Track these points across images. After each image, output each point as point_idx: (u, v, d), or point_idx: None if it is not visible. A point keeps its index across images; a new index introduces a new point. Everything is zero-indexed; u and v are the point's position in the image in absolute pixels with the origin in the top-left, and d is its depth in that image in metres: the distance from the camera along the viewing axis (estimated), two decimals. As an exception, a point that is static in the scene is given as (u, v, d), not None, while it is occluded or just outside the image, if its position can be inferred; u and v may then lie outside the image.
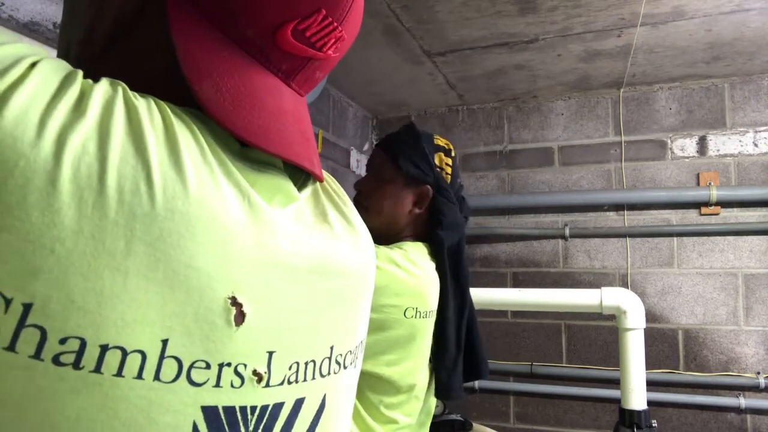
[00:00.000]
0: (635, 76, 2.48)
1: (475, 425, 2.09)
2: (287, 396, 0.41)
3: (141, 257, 0.32)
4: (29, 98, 0.30)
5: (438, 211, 1.08)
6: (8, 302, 0.29)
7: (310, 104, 2.20)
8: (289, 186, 0.44)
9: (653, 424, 1.57)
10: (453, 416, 2.19)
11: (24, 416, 0.30)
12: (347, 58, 2.24)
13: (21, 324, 0.29)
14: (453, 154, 1.12)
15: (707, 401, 2.35)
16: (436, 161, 1.10)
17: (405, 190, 1.09)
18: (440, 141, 1.13)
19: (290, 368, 0.41)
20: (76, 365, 0.30)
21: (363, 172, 2.88)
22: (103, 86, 0.34)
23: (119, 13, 0.43)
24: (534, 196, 2.67)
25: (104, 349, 0.31)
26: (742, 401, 2.29)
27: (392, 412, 1.01)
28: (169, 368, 0.33)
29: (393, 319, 0.95)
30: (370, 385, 0.98)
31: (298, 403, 0.42)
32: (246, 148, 0.41)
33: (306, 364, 0.42)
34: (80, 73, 0.34)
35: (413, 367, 1.02)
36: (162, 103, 0.37)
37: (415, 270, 0.99)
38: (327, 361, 0.44)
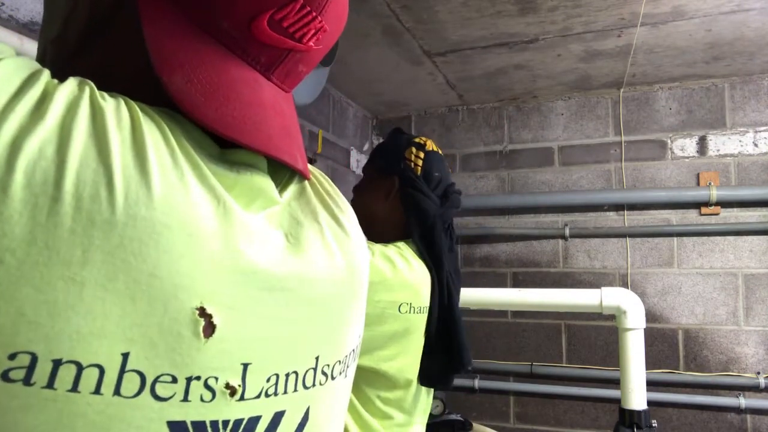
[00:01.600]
0: (635, 76, 2.48)
1: (475, 425, 2.09)
2: (264, 409, 0.39)
3: (99, 266, 0.30)
4: None
5: (405, 201, 1.13)
6: None
7: (310, 104, 2.20)
8: (271, 189, 0.42)
9: (653, 424, 1.57)
10: (453, 416, 2.19)
11: None
12: (347, 58, 2.24)
13: None
14: (429, 149, 1.16)
15: (707, 401, 2.35)
16: (407, 155, 1.15)
17: (376, 183, 1.16)
18: (420, 139, 1.19)
19: (268, 380, 0.39)
20: (27, 381, 0.29)
21: (363, 172, 2.89)
22: (69, 86, 0.33)
23: (94, 9, 0.41)
24: (534, 196, 2.67)
25: (57, 364, 0.29)
26: (742, 401, 2.29)
27: (388, 407, 1.02)
28: (131, 383, 0.32)
29: (388, 314, 0.97)
30: (367, 380, 0.99)
31: (277, 417, 0.40)
32: (226, 150, 0.40)
33: (287, 375, 0.40)
34: (46, 72, 0.33)
35: (410, 362, 1.04)
36: (133, 103, 0.35)
37: (408, 267, 1.02)
38: (312, 372, 0.42)
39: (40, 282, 0.29)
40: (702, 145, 2.49)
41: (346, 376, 0.48)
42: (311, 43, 0.43)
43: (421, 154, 1.14)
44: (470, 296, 1.75)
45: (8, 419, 0.29)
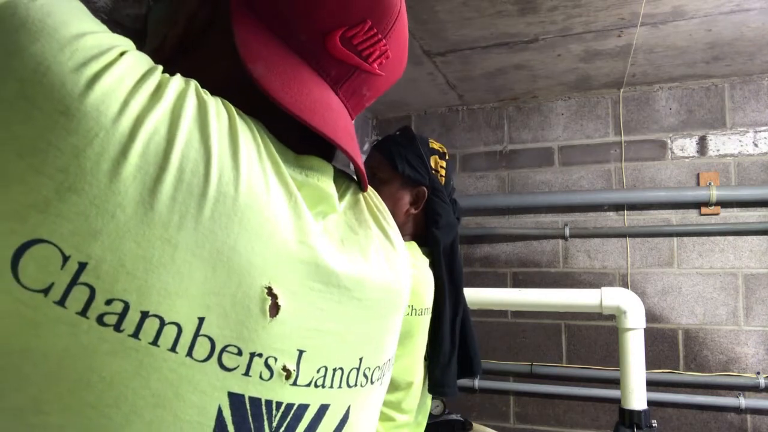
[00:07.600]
0: (635, 76, 2.48)
1: (475, 425, 2.09)
2: (313, 399, 0.41)
3: (191, 233, 0.34)
4: (117, 80, 0.33)
5: (433, 212, 1.11)
6: (66, 259, 0.31)
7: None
8: (334, 195, 0.46)
9: (653, 424, 1.57)
10: (453, 416, 2.19)
11: (63, 372, 0.31)
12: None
13: (74, 281, 0.31)
14: (447, 157, 1.16)
15: (707, 401, 2.35)
16: (432, 164, 1.13)
17: (402, 190, 1.13)
18: (435, 144, 1.17)
19: (318, 371, 0.41)
20: (117, 327, 0.32)
21: (363, 172, 2.88)
22: (178, 80, 0.38)
23: (190, 23, 0.47)
24: (534, 196, 2.67)
25: (144, 315, 0.32)
26: (742, 401, 2.29)
27: (390, 409, 1.02)
28: (202, 347, 0.35)
29: None
30: None
31: (323, 409, 0.42)
32: (300, 156, 0.45)
33: (334, 370, 0.43)
34: (160, 67, 0.38)
35: (410, 364, 1.04)
36: (229, 104, 0.40)
37: (410, 269, 1.02)
38: (355, 372, 0.45)
39: (142, 239, 0.32)
40: (702, 145, 2.49)
41: (381, 383, 0.51)
42: (375, 65, 0.48)
43: (443, 164, 1.14)
44: (470, 296, 1.75)
45: (95, 361, 0.32)
